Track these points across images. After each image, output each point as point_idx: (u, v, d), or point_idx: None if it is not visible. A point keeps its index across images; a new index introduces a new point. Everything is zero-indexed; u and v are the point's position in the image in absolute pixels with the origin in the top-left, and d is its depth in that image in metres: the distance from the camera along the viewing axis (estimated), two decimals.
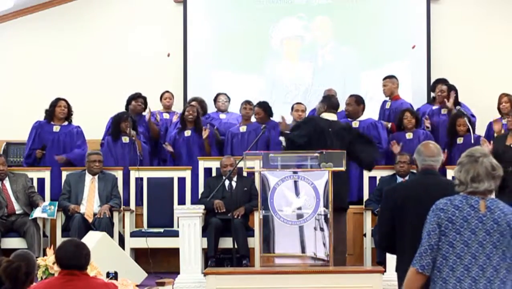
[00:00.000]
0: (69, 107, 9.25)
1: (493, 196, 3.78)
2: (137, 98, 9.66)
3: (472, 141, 8.74)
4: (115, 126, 9.16)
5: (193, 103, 9.63)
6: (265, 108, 9.49)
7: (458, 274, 3.62)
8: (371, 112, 9.72)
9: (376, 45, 10.89)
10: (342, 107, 9.40)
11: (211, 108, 10.20)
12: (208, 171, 8.85)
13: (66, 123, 9.25)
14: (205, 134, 9.15)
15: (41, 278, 6.11)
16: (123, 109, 9.60)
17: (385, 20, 10.95)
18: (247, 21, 11.09)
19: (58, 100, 9.24)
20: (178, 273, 7.30)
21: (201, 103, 9.77)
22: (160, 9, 11.13)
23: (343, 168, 7.27)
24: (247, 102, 9.49)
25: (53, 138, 9.15)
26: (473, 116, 9.38)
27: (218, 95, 10.19)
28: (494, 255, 3.62)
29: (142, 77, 10.75)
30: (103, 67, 11.01)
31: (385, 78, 9.80)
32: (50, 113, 9.20)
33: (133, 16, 11.14)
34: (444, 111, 9.43)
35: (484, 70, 10.72)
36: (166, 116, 9.98)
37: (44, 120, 9.26)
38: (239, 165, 8.11)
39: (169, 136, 9.49)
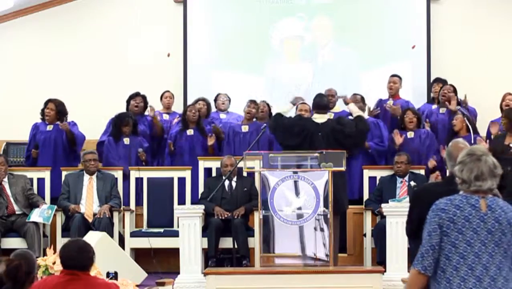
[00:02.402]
0: (58, 108, 9.23)
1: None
2: (136, 97, 9.66)
3: (472, 141, 8.74)
4: (116, 127, 9.17)
5: (201, 102, 9.63)
6: (269, 106, 9.67)
7: (462, 274, 3.62)
8: None
9: (376, 45, 10.88)
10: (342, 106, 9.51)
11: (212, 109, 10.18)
12: (208, 171, 8.85)
13: (57, 122, 9.25)
14: (210, 141, 9.15)
15: (41, 278, 6.10)
16: (123, 109, 9.60)
17: (385, 20, 10.94)
18: (247, 21, 11.09)
19: (48, 101, 9.30)
20: (178, 273, 7.29)
21: (208, 105, 9.79)
22: (160, 9, 11.12)
23: (343, 168, 7.29)
24: (253, 101, 9.49)
25: (45, 137, 9.20)
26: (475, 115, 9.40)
27: (218, 95, 10.19)
28: (497, 253, 3.63)
29: (142, 77, 10.74)
30: (103, 67, 11.00)
31: (394, 76, 9.83)
32: (43, 114, 9.30)
33: (133, 16, 11.13)
34: (442, 110, 9.42)
35: (484, 70, 10.71)
36: (166, 116, 9.97)
37: (40, 122, 9.35)
38: (239, 165, 8.13)
39: (170, 134, 9.47)
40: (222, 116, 10.01)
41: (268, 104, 9.70)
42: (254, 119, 9.54)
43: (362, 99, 9.30)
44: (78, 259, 4.14)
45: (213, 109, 10.14)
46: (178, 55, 11.02)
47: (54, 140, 9.21)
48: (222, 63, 11.08)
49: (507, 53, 10.77)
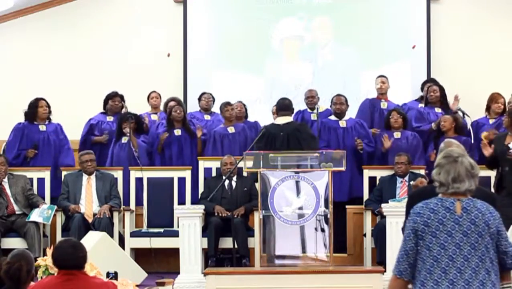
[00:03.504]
0: (49, 106, 9.21)
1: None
2: (114, 97, 9.55)
3: (472, 141, 8.74)
4: (118, 127, 9.17)
5: (172, 103, 9.53)
6: (245, 107, 9.75)
7: (435, 277, 3.60)
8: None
9: (376, 45, 10.88)
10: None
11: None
12: (208, 171, 8.85)
13: (47, 122, 9.21)
14: (199, 133, 9.13)
15: (41, 278, 6.11)
16: (123, 109, 9.59)
17: (385, 20, 10.94)
18: (247, 21, 11.09)
19: (38, 100, 9.17)
20: (178, 273, 7.29)
21: (180, 102, 9.72)
22: (160, 9, 11.12)
23: (343, 168, 7.29)
24: (227, 104, 9.44)
25: (43, 138, 9.12)
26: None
27: (202, 94, 10.11)
28: (473, 256, 3.59)
29: (142, 77, 10.74)
30: (103, 67, 11.00)
31: (381, 76, 9.82)
32: (32, 114, 9.14)
33: (133, 16, 11.13)
34: (438, 110, 9.40)
35: (484, 70, 10.71)
36: (154, 117, 9.92)
37: (26, 122, 9.17)
38: (239, 165, 8.13)
39: (153, 135, 9.37)
40: (207, 117, 9.90)
41: (244, 105, 9.73)
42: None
43: (346, 100, 9.32)
44: (72, 258, 4.14)
45: (197, 108, 10.09)
46: (178, 55, 11.02)
47: (53, 141, 9.18)
48: (222, 63, 11.07)
49: (507, 53, 10.76)
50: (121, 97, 9.60)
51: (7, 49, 11.21)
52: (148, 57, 10.97)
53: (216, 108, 9.99)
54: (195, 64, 11.02)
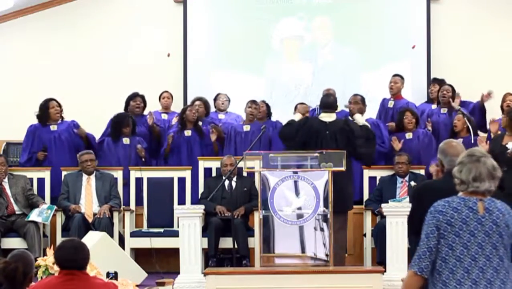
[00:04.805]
0: (60, 105, 9.21)
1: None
2: (135, 98, 9.59)
3: (472, 142, 8.75)
4: (116, 127, 9.15)
5: (197, 103, 9.62)
6: (267, 105, 9.66)
7: (458, 277, 3.61)
8: (372, 112, 9.77)
9: (376, 45, 10.89)
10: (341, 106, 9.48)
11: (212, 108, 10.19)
12: (208, 171, 8.85)
13: (59, 121, 9.22)
14: (213, 137, 9.13)
15: (41, 278, 6.11)
16: (123, 109, 9.58)
17: (385, 20, 10.95)
18: (247, 21, 11.09)
19: (48, 101, 9.15)
20: (178, 273, 7.29)
21: (206, 103, 9.77)
22: (160, 9, 11.13)
23: (343, 168, 7.28)
24: (253, 102, 9.46)
25: (54, 138, 9.11)
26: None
27: (218, 94, 10.17)
28: (494, 256, 3.61)
29: (142, 77, 10.74)
30: (103, 67, 11.01)
31: (395, 75, 9.84)
32: (45, 116, 9.12)
33: (133, 16, 11.14)
34: (444, 111, 9.42)
35: (484, 70, 10.71)
36: (164, 116, 9.95)
37: (38, 124, 9.16)
38: (239, 165, 8.13)
39: (168, 132, 9.40)
40: (221, 116, 9.99)
41: (267, 104, 9.69)
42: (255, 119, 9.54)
43: (363, 100, 9.25)
44: (74, 259, 4.14)
45: (212, 108, 10.13)
46: (178, 55, 11.02)
47: (66, 140, 9.16)
48: (222, 63, 11.08)
49: (507, 53, 10.77)
50: (142, 97, 9.60)
51: (7, 49, 11.21)
52: (148, 57, 10.98)
53: (231, 108, 10.03)
54: (195, 64, 11.03)
